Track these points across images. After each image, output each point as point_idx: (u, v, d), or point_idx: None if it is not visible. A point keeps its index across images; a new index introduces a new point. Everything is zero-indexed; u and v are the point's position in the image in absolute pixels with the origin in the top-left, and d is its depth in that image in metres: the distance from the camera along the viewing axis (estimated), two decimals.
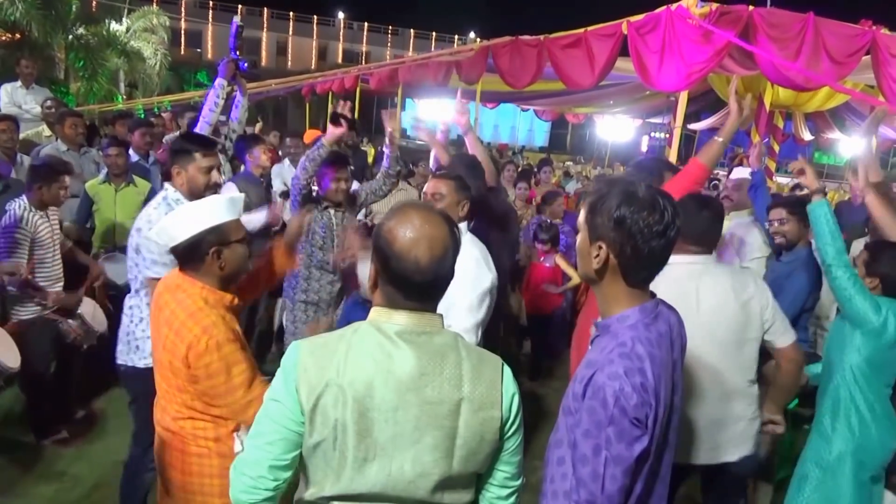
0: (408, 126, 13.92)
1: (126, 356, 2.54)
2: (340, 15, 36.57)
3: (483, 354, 1.38)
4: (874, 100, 4.91)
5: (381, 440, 1.27)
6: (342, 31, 36.54)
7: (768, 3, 4.33)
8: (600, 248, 1.40)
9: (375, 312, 1.32)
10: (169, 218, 1.88)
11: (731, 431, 2.28)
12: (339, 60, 34.28)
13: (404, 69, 9.44)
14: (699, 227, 2.28)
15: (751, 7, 4.19)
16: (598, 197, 1.43)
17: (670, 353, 1.46)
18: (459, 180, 2.58)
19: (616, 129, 14.93)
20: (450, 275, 1.32)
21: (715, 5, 4.17)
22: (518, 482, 1.43)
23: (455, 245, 1.31)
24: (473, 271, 2.36)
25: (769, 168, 9.80)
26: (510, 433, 1.36)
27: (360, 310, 2.52)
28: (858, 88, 6.16)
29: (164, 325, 1.83)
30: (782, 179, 15.07)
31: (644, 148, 20.94)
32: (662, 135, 19.86)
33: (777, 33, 4.19)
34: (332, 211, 3.42)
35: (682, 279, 2.23)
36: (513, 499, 1.42)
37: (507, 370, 1.38)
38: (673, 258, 1.52)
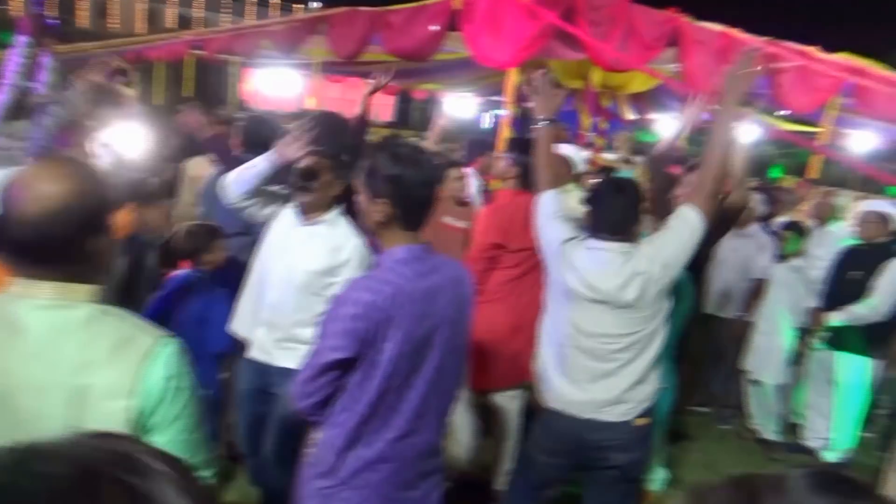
0: None
1: None
2: None
3: (128, 333, 1.25)
4: (680, 84, 5.37)
5: None
6: None
7: None
8: (380, 203, 1.67)
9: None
10: None
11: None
12: (172, 25, 31.57)
13: (240, 37, 8.93)
14: (613, 214, 2.31)
15: None
16: (371, 161, 1.70)
17: (434, 303, 1.69)
18: (335, 158, 2.52)
19: (460, 106, 15.21)
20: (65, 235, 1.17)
21: None
22: None
23: (79, 204, 1.17)
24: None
25: (597, 144, 10.56)
26: (154, 419, 1.25)
27: None
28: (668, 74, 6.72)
29: None
30: (610, 155, 16.24)
31: (486, 125, 21.61)
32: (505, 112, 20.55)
33: (596, 16, 4.42)
34: None
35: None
36: None
37: (161, 353, 1.24)
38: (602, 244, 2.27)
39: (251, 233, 2.94)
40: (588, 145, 9.86)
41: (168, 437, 1.21)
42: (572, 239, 2.36)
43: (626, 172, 5.09)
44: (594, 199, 2.40)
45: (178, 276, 2.83)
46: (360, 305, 1.61)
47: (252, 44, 8.44)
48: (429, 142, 4.07)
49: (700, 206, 2.26)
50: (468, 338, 1.93)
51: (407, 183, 1.67)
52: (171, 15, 34.31)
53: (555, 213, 2.42)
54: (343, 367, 1.66)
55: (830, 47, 5.79)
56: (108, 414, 1.15)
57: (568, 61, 7.20)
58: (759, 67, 2.43)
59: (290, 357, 2.45)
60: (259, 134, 3.14)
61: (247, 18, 31.57)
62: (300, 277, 2.49)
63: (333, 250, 2.49)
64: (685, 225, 2.26)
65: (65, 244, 1.17)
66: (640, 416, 2.37)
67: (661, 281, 2.28)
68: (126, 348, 1.19)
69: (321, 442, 1.75)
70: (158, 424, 1.21)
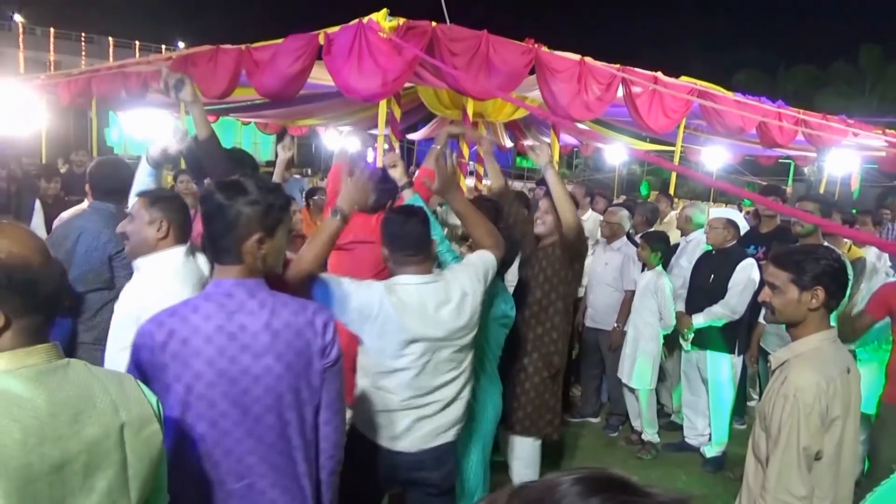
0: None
1: None
2: (18, 18, 31.37)
3: (115, 373, 1.28)
4: (540, 110, 5.65)
5: None
6: (22, 36, 31.36)
7: (447, 20, 4.70)
8: (259, 237, 1.61)
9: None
10: None
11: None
12: (22, 70, 29.34)
13: (98, 79, 8.45)
14: (411, 236, 2.29)
15: (434, 24, 4.51)
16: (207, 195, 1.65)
17: (232, 343, 1.57)
18: (158, 196, 2.29)
19: (341, 141, 15.15)
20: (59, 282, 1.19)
21: (402, 20, 4.40)
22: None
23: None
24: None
25: (478, 173, 10.86)
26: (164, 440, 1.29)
27: None
28: (537, 104, 7.05)
29: None
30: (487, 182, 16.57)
31: (370, 159, 21.68)
32: (386, 146, 20.74)
33: (457, 48, 4.57)
34: None
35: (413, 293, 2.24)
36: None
37: (139, 382, 1.31)
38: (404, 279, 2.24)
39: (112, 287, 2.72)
40: (470, 174, 10.15)
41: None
42: (380, 296, 2.20)
43: None
44: (388, 227, 2.35)
45: None
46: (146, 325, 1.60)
47: (113, 86, 8.04)
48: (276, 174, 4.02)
49: (487, 244, 2.51)
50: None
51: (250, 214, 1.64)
52: (19, 58, 31.89)
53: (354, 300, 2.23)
54: None
55: (673, 72, 6.36)
56: (149, 440, 1.22)
57: (442, 92, 7.39)
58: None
59: None
60: (109, 180, 2.92)
61: (105, 60, 29.94)
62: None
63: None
64: (478, 259, 2.46)
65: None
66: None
67: (471, 306, 2.33)
68: (124, 382, 1.24)
69: None
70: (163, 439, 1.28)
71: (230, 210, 1.60)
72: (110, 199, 2.89)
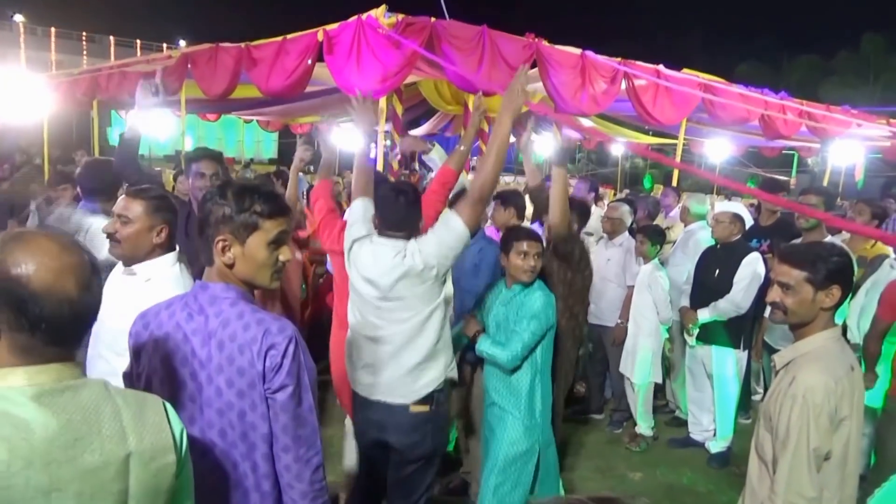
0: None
1: None
2: (19, 18, 31.37)
3: (140, 397, 1.21)
4: (542, 107, 5.61)
5: None
6: (23, 36, 31.36)
7: (446, 15, 4.66)
8: (223, 241, 1.58)
9: None
10: None
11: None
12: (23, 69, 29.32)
13: (101, 78, 8.43)
14: (397, 213, 2.53)
15: (433, 19, 4.47)
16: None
17: (185, 345, 1.58)
18: (157, 199, 2.21)
19: (344, 137, 15.13)
20: (99, 304, 1.14)
21: (401, 16, 4.37)
22: None
23: (97, 271, 1.14)
24: None
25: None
26: (183, 471, 1.24)
27: None
28: (539, 98, 7.01)
29: None
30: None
31: (372, 154, 21.66)
32: (388, 141, 20.72)
33: (459, 42, 4.54)
34: None
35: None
36: None
37: (169, 407, 1.24)
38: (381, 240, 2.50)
39: None
40: (472, 169, 10.13)
41: (185, 480, 1.26)
42: (363, 237, 2.59)
43: None
44: (379, 202, 2.64)
45: None
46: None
47: (115, 87, 8.01)
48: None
49: (462, 212, 2.42)
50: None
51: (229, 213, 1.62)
52: (20, 58, 31.92)
53: (359, 217, 2.66)
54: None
55: (675, 65, 6.31)
56: (159, 473, 1.17)
57: (443, 87, 7.36)
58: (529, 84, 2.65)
59: None
60: (97, 180, 2.94)
61: (107, 60, 29.95)
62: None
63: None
64: (446, 228, 2.44)
65: (97, 313, 1.16)
66: (418, 402, 2.56)
67: (424, 274, 2.45)
68: (146, 407, 1.19)
69: None
70: (184, 469, 1.24)
71: (205, 210, 1.61)
72: (96, 197, 2.93)
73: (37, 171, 6.41)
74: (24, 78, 10.15)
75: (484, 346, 2.91)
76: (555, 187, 3.17)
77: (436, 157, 3.59)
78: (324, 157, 3.47)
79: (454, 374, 2.71)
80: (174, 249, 2.24)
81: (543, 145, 7.25)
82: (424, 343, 2.53)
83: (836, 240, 3.96)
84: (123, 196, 2.24)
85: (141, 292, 2.02)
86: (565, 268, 3.29)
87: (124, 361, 1.72)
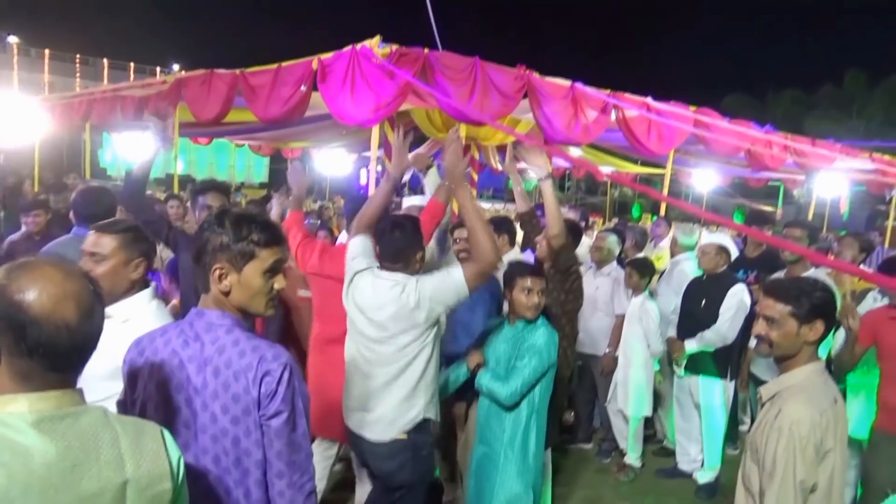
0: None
1: None
2: (13, 39, 31.48)
3: (139, 424, 1.22)
4: (529, 138, 5.69)
5: None
6: (16, 57, 31.45)
7: (439, 46, 4.75)
8: (220, 269, 1.60)
9: None
10: None
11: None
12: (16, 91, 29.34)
13: (95, 101, 8.47)
14: (394, 244, 2.61)
15: (426, 50, 4.55)
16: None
17: (181, 372, 1.59)
18: (131, 232, 2.10)
19: (334, 162, 15.19)
20: (99, 334, 1.15)
21: (395, 46, 4.44)
22: None
23: (100, 299, 1.16)
24: None
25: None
26: (179, 498, 1.25)
27: None
28: (529, 128, 7.11)
29: None
30: (486, 205, 16.78)
31: (363, 181, 21.75)
32: (380, 167, 20.83)
33: (452, 73, 4.62)
34: None
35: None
36: None
37: (167, 434, 1.25)
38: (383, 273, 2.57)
39: None
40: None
41: None
42: (364, 270, 2.65)
43: None
44: (378, 234, 2.72)
45: None
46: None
47: (108, 110, 8.05)
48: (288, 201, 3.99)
49: (468, 271, 2.50)
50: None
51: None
52: (13, 79, 31.97)
53: (359, 252, 2.71)
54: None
55: (663, 97, 6.43)
56: (154, 499, 1.18)
57: (435, 115, 7.45)
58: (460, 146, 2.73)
59: None
60: (93, 206, 2.94)
61: (100, 82, 30.07)
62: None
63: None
64: (448, 277, 2.51)
65: (97, 342, 1.17)
66: (402, 432, 2.62)
67: (414, 314, 2.50)
68: (144, 435, 1.21)
69: None
70: (180, 496, 1.25)
71: (202, 238, 1.62)
72: (90, 224, 2.91)
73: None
74: (17, 101, 10.16)
75: (484, 380, 2.85)
76: (546, 200, 3.26)
77: (429, 182, 3.61)
78: (294, 191, 3.51)
79: (432, 414, 2.68)
80: (148, 286, 2.11)
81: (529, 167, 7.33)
82: (409, 379, 2.58)
83: (821, 272, 4.03)
84: (92, 232, 2.10)
85: (119, 335, 1.78)
86: (560, 287, 3.31)
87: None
